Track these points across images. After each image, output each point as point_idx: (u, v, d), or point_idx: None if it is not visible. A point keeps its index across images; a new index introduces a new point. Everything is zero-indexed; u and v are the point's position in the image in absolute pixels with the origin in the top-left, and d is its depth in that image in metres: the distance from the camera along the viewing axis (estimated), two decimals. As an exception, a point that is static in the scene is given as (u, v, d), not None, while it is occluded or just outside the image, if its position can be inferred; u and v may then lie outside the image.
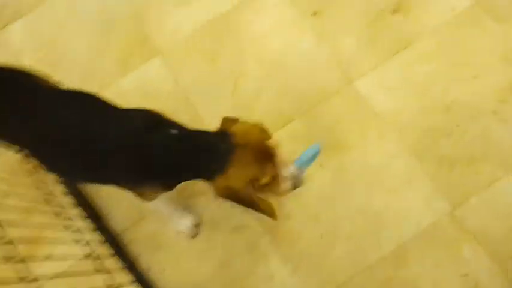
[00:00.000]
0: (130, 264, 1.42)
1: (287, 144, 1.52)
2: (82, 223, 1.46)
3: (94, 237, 1.44)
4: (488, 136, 1.47)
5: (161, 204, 1.29)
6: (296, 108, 1.57)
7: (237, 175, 1.00)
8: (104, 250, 1.42)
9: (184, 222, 1.47)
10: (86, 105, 1.09)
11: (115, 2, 1.80)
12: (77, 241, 1.41)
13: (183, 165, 1.05)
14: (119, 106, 1.11)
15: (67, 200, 1.50)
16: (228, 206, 1.44)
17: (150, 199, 1.17)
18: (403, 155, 1.48)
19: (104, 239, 1.44)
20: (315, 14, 1.67)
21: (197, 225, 1.49)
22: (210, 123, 1.59)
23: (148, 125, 1.05)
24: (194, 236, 1.50)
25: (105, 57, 1.73)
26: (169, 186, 1.12)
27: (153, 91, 1.67)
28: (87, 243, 1.42)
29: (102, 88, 1.66)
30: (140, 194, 1.13)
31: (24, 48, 1.80)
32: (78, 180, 1.38)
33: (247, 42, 1.68)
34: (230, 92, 1.62)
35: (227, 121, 1.11)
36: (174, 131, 1.05)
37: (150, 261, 1.47)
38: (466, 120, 1.49)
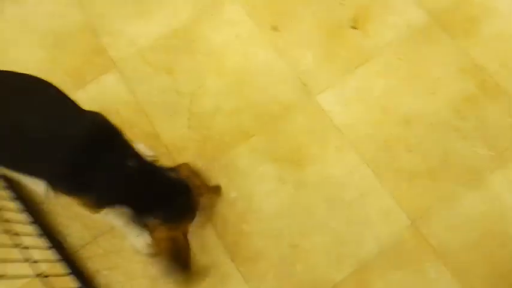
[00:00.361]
0: (86, 282, 1.33)
1: (247, 160, 1.49)
2: (36, 241, 1.35)
3: (48, 255, 1.33)
4: (446, 149, 1.48)
5: (113, 218, 1.22)
6: (256, 123, 1.54)
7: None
8: (58, 269, 1.32)
9: (142, 240, 1.39)
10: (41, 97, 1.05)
11: (68, 15, 1.73)
12: (28, 259, 1.30)
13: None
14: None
15: (19, 217, 1.40)
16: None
17: (93, 212, 1.10)
18: (362, 168, 1.46)
19: (59, 257, 1.34)
20: (274, 28, 1.67)
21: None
22: (166, 138, 1.54)
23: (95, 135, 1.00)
24: (152, 255, 1.42)
25: (60, 69, 1.65)
26: (108, 204, 1.06)
27: (108, 104, 1.60)
28: (41, 261, 1.32)
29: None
30: (82, 204, 1.06)
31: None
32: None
33: (205, 56, 1.64)
34: (187, 106, 1.58)
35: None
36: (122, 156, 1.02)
37: (109, 279, 1.38)
38: (424, 134, 1.50)
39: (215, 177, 1.47)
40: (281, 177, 1.47)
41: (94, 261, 1.40)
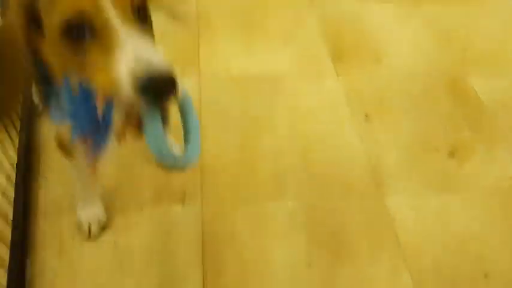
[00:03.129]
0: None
1: (279, 220, 1.22)
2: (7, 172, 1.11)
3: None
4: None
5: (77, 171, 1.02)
6: (306, 190, 1.30)
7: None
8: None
9: (89, 212, 1.11)
10: None
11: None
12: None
13: None
14: None
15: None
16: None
17: None
18: (413, 299, 1.11)
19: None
20: (366, 116, 1.53)
21: (100, 226, 1.13)
22: (206, 154, 1.34)
23: None
24: (89, 236, 1.11)
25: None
26: None
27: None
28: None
29: None
30: None
31: None
32: None
33: (283, 108, 1.52)
34: (245, 140, 1.40)
35: None
36: None
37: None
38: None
39: (236, 224, 1.20)
40: (311, 260, 1.15)
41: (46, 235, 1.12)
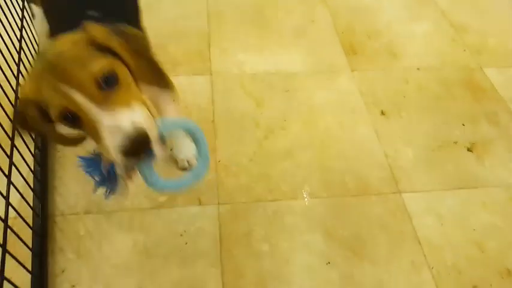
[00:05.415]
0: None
1: (297, 219, 1.21)
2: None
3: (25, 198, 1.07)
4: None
5: None
6: (324, 188, 1.29)
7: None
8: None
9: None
10: None
11: (196, 19, 1.76)
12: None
13: None
14: None
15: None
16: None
17: None
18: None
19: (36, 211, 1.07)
20: (382, 111, 1.51)
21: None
22: (222, 157, 1.33)
23: None
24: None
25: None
26: None
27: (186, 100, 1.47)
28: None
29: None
30: None
31: None
32: None
33: (300, 105, 1.50)
34: (259, 139, 1.39)
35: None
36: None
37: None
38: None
39: (252, 223, 1.19)
40: (329, 258, 1.14)
41: (65, 237, 1.13)
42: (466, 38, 1.82)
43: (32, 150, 1.15)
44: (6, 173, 0.93)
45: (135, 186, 1.17)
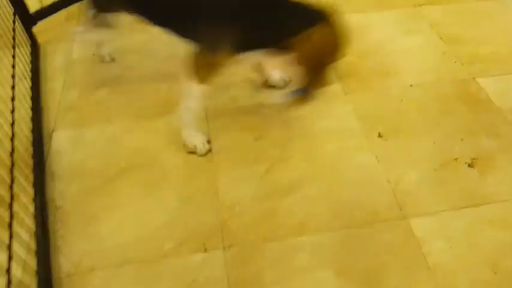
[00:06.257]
0: None
1: (306, 256, 1.19)
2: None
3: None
4: None
5: (194, 103, 1.35)
6: (332, 219, 1.27)
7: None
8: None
9: (199, 137, 1.44)
10: None
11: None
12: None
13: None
14: None
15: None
16: None
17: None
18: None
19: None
20: (380, 135, 1.50)
21: (209, 142, 1.46)
22: (225, 197, 1.32)
23: None
24: (206, 152, 1.43)
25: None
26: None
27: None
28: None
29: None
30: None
31: None
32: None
33: (300, 133, 1.50)
34: (261, 173, 1.38)
35: None
36: None
37: None
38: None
39: (261, 265, 1.18)
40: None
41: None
42: (457, 50, 1.82)
43: (32, 210, 1.14)
44: (7, 241, 0.92)
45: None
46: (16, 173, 1.11)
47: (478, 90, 1.66)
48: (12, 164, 1.09)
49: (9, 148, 1.13)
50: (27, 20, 1.75)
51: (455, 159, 1.45)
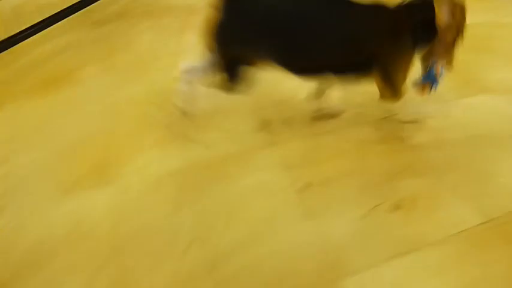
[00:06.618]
0: None
1: None
2: None
3: None
4: None
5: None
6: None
7: None
8: None
9: None
10: None
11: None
12: None
13: None
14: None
15: None
16: None
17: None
18: None
19: None
20: (307, 185, 1.45)
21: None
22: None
23: None
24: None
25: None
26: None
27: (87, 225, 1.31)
28: None
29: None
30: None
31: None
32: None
33: (220, 199, 1.41)
34: (181, 251, 1.26)
35: None
36: None
37: None
38: None
39: None
40: None
41: None
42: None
43: None
44: None
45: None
46: None
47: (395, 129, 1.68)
48: None
49: None
50: None
51: (381, 204, 1.42)
